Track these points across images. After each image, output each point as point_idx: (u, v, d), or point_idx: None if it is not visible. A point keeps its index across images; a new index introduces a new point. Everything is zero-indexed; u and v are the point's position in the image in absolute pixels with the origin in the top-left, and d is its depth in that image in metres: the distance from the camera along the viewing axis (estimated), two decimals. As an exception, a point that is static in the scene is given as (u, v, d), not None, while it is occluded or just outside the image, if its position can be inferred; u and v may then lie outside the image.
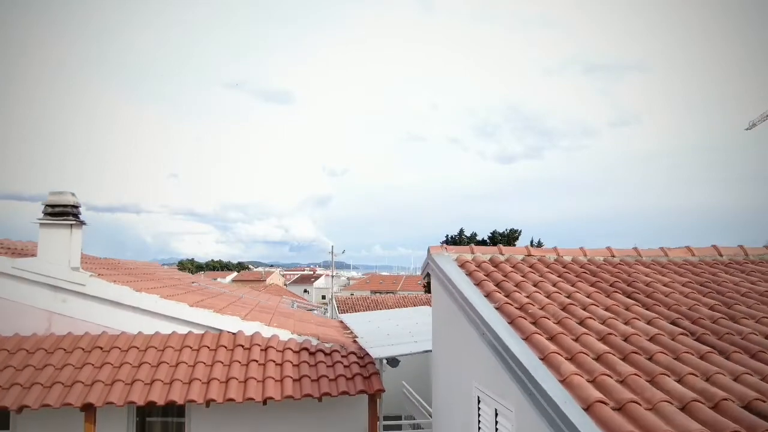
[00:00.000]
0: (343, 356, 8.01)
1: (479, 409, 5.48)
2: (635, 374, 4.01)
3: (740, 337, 4.81)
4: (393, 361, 8.49)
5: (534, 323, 4.94)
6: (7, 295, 7.98)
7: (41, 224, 8.10)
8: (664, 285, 6.33)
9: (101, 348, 7.62)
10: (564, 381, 3.92)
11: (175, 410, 8.19)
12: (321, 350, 8.12)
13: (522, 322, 4.97)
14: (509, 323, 5.01)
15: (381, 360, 7.66)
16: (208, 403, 6.90)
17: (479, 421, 5.47)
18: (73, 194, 8.31)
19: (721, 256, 7.61)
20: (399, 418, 12.79)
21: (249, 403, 7.99)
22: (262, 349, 7.94)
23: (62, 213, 8.13)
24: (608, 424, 3.38)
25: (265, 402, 7.05)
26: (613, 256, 7.45)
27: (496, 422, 4.99)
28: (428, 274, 7.51)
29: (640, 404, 3.60)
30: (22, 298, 8.00)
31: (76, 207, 8.29)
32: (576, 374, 3.96)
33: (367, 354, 8.08)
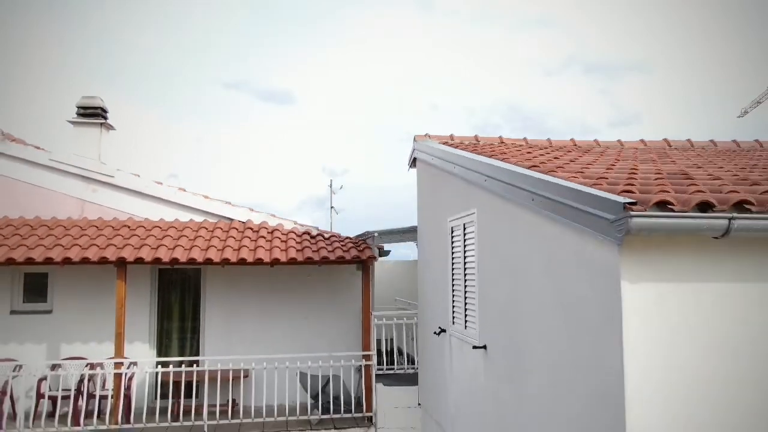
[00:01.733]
0: (340, 240, 9.10)
1: (452, 238, 6.55)
2: (571, 162, 5.11)
3: (669, 158, 5.93)
4: (383, 251, 9.54)
5: (495, 155, 6.04)
6: (45, 184, 9.07)
7: (74, 123, 9.19)
8: (616, 153, 7.44)
9: (128, 227, 8.71)
10: (514, 164, 5.01)
11: (192, 286, 9.34)
12: (321, 235, 9.23)
13: (486, 154, 6.08)
14: (477, 155, 6.11)
15: (373, 235, 8.73)
16: (224, 263, 7.97)
17: (452, 248, 6.54)
18: (101, 99, 9.40)
19: (669, 146, 8.71)
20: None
21: (257, 275, 9.16)
22: (269, 232, 9.04)
23: (93, 114, 9.23)
24: (542, 168, 4.46)
25: (272, 264, 8.13)
26: (576, 144, 8.54)
27: (465, 236, 6.06)
28: (414, 160, 8.59)
29: (565, 169, 4.69)
30: (57, 187, 9.09)
31: (105, 111, 9.38)
32: (520, 163, 5.05)
33: (362, 239, 9.18)
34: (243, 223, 9.36)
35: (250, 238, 8.66)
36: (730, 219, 2.81)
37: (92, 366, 8.40)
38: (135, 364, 8.54)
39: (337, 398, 8.62)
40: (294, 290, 9.44)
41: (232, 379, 8.45)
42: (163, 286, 9.29)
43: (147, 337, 9.06)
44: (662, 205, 2.92)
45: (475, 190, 5.62)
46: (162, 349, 9.12)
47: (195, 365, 8.14)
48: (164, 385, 8.25)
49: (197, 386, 8.96)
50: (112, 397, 7.99)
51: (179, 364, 8.14)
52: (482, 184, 5.32)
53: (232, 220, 9.44)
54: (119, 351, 7.87)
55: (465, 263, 6.04)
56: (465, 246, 6.05)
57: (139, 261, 7.78)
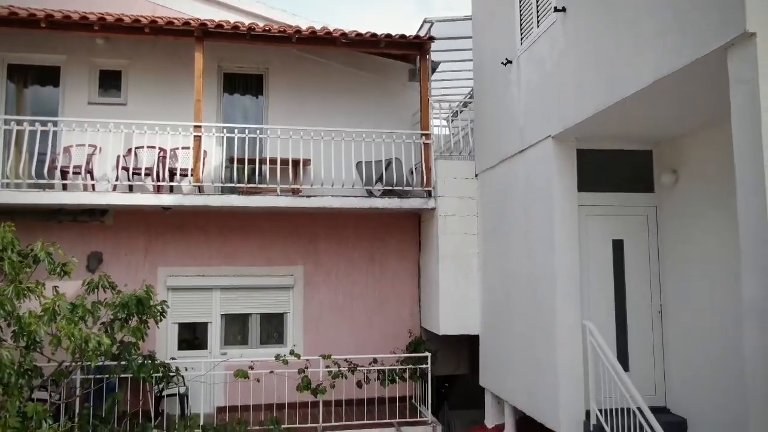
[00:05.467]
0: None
1: None
2: None
3: None
4: (435, 63, 10.08)
5: None
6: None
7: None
8: None
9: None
10: None
11: (255, 88, 9.94)
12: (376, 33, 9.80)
13: None
14: None
15: (431, 22, 9.30)
16: (295, 35, 8.55)
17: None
18: None
19: None
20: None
21: (317, 80, 9.75)
22: (329, 30, 9.61)
23: None
24: None
25: (340, 39, 8.71)
26: None
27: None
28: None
29: None
30: (129, -11, 9.66)
31: None
32: None
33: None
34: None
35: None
36: None
37: (165, 152, 8.95)
38: (206, 153, 9.06)
39: (399, 182, 9.17)
40: (350, 96, 10.01)
41: (300, 165, 8.93)
42: (228, 90, 9.90)
43: (213, 134, 9.51)
44: None
45: None
46: (229, 146, 9.58)
47: (258, 132, 8.75)
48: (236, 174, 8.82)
49: (260, 175, 9.46)
50: (191, 173, 8.51)
51: (243, 144, 8.68)
52: None
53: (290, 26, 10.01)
54: (198, 117, 8.43)
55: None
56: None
57: (219, 28, 8.34)
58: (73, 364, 7.22)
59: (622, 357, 6.30)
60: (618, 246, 6.48)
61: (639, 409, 5.23)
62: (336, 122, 9.77)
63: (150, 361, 7.50)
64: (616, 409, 5.62)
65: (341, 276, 9.67)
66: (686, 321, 6.11)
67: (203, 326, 9.38)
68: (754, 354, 3.56)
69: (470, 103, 9.29)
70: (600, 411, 5.77)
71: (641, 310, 6.45)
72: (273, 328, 9.64)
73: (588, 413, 5.95)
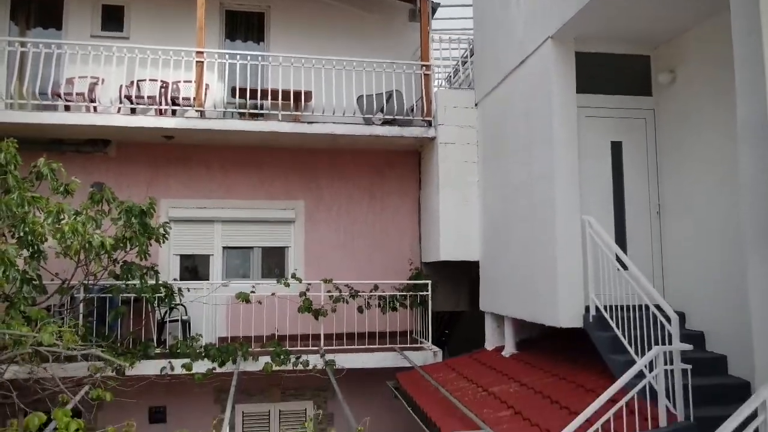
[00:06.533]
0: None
1: None
2: None
3: None
4: (434, 4, 10.19)
5: None
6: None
7: None
8: None
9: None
10: None
11: (256, 28, 10.03)
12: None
13: None
14: None
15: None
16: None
17: None
18: None
19: None
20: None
21: (316, 19, 9.84)
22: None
23: None
24: None
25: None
26: None
27: None
28: None
29: None
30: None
31: None
32: None
33: None
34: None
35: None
36: None
37: (167, 84, 9.01)
38: (208, 86, 9.12)
39: (399, 114, 9.24)
40: (351, 36, 10.07)
41: (302, 97, 8.99)
42: (229, 30, 9.98)
43: (216, 59, 9.50)
44: None
45: None
46: (231, 79, 9.60)
47: (260, 59, 8.81)
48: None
49: (262, 110, 9.51)
50: (194, 100, 8.58)
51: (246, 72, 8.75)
52: None
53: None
54: (200, 44, 8.50)
55: None
56: None
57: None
58: (77, 282, 7.30)
59: (621, 257, 6.36)
60: (617, 147, 6.55)
61: (649, 298, 5.22)
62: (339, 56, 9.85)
63: (153, 273, 7.57)
64: (616, 306, 5.66)
65: (342, 211, 9.73)
66: (685, 220, 6.17)
67: (205, 261, 9.44)
68: (747, 174, 3.62)
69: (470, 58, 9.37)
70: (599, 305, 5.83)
71: (640, 211, 6.51)
72: (274, 263, 9.70)
73: (587, 308, 6.00)
